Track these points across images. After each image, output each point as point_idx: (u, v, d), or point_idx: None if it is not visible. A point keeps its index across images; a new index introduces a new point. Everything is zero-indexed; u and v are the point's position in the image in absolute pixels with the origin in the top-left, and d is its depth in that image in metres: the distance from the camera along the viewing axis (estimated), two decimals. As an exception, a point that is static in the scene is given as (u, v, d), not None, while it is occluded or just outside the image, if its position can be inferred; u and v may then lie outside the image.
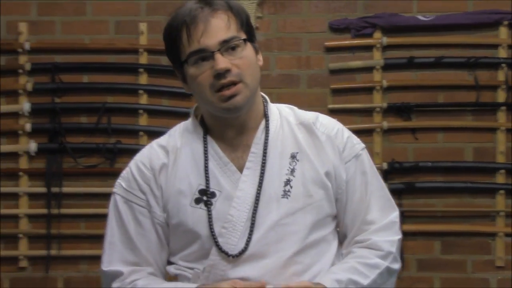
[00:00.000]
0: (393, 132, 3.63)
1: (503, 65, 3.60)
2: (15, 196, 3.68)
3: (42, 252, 3.66)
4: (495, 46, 3.63)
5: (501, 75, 3.61)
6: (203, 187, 1.73)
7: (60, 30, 3.71)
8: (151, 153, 1.80)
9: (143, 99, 3.69)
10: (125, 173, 1.82)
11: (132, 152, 3.57)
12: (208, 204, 1.72)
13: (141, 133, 3.68)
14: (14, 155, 3.69)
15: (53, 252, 3.66)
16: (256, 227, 1.71)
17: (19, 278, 3.69)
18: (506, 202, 3.62)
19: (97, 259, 3.61)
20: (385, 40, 3.63)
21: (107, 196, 3.64)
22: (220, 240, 1.71)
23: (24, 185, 3.68)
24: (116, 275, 1.76)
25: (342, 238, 1.85)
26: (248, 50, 1.72)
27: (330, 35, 3.66)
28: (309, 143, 1.79)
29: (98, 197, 3.68)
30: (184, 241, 1.76)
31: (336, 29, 3.64)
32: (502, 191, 3.61)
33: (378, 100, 3.63)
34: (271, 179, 1.73)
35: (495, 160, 3.63)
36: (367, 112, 3.63)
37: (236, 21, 1.71)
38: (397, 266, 1.81)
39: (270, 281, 1.69)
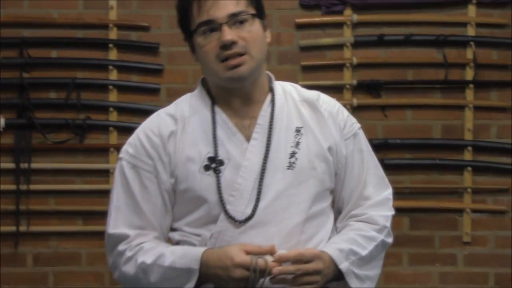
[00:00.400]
0: (363, 109, 3.65)
1: (471, 43, 3.63)
2: (-17, 172, 3.66)
3: (11, 228, 3.63)
4: (463, 24, 3.65)
5: (469, 53, 3.64)
6: (211, 154, 1.79)
7: (28, 5, 3.65)
8: (159, 120, 1.85)
9: (113, 75, 3.66)
10: (132, 139, 1.86)
11: (101, 128, 3.66)
12: (217, 171, 1.78)
13: (111, 109, 3.65)
14: (-18, 131, 3.66)
15: (22, 228, 3.63)
16: (263, 196, 1.78)
17: (-13, 254, 3.68)
18: (473, 178, 3.67)
19: (66, 235, 3.70)
20: (356, 17, 3.64)
21: (76, 172, 3.71)
22: (228, 207, 1.77)
23: (-8, 161, 3.65)
24: (122, 238, 1.81)
25: (336, 213, 1.94)
26: (256, 25, 1.79)
27: (301, 12, 3.65)
28: (313, 118, 1.87)
29: (68, 173, 3.67)
30: (190, 206, 1.81)
31: (307, 6, 3.64)
32: (469, 168, 3.65)
33: (348, 77, 3.65)
34: (277, 151, 1.81)
35: (463, 137, 3.67)
36: (337, 89, 3.63)
37: None
38: (390, 240, 1.92)
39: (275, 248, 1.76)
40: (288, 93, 1.89)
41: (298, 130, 1.84)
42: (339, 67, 3.66)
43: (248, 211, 1.78)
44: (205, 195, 1.79)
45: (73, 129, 3.64)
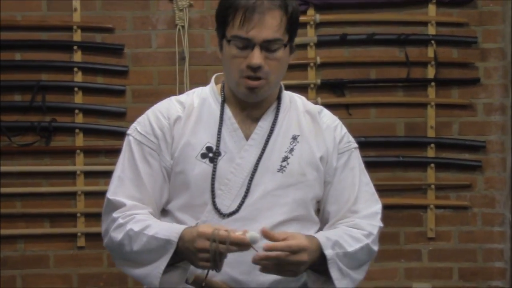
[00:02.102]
0: (327, 108, 3.52)
1: (432, 41, 3.69)
2: (-51, 176, 3.64)
3: (-22, 232, 3.63)
4: (424, 24, 3.71)
5: (430, 52, 3.70)
6: (210, 145, 1.90)
7: (-9, 7, 3.66)
8: (169, 105, 1.96)
9: (78, 77, 3.67)
10: (141, 118, 1.97)
11: (67, 130, 3.66)
12: (214, 161, 1.88)
13: (76, 111, 3.66)
14: None
15: (-11, 231, 3.63)
16: (250, 193, 1.88)
17: (-46, 259, 3.66)
18: (437, 175, 3.73)
19: (33, 237, 3.68)
20: (318, 17, 3.68)
21: (43, 175, 3.70)
22: (216, 199, 1.87)
23: (-42, 165, 3.64)
24: (118, 205, 1.88)
25: (324, 223, 2.01)
26: (284, 53, 1.86)
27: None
28: (311, 129, 1.97)
29: (34, 176, 3.68)
30: (181, 189, 1.91)
31: (270, 6, 3.67)
32: (432, 165, 3.71)
33: (312, 77, 3.69)
34: (271, 154, 1.91)
35: (426, 134, 3.73)
36: (302, 89, 3.67)
37: (287, 23, 1.84)
38: (375, 248, 1.98)
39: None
40: (294, 103, 2.00)
41: (294, 138, 1.94)
42: (303, 67, 3.70)
43: (234, 205, 1.87)
44: (196, 180, 1.88)
45: (39, 132, 3.64)
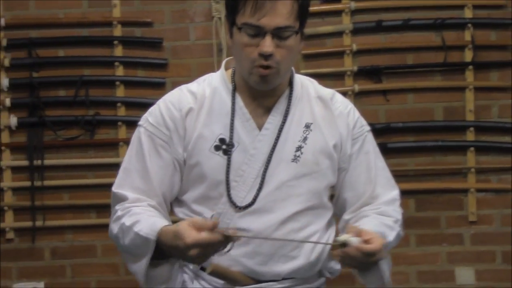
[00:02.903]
0: (364, 95, 3.70)
1: (469, 25, 3.67)
2: (-2, 170, 3.76)
3: (28, 224, 3.75)
4: (460, 7, 3.69)
5: (467, 35, 3.68)
6: (223, 136, 1.88)
7: (34, 6, 3.76)
8: (181, 95, 1.92)
9: (119, 71, 3.75)
10: (153, 109, 1.94)
11: (110, 123, 3.74)
12: (228, 153, 1.87)
13: (118, 104, 3.74)
14: (-5, 130, 3.76)
15: (38, 223, 3.74)
16: (265, 185, 1.87)
17: (6, 250, 3.78)
18: (477, 158, 3.71)
19: (81, 228, 3.79)
20: (353, 4, 3.69)
21: (88, 167, 3.80)
22: (231, 191, 1.86)
23: (7, 159, 3.76)
24: (121, 198, 1.88)
25: (340, 209, 2.02)
26: (295, 40, 1.83)
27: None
28: (323, 116, 1.94)
29: (79, 168, 3.77)
30: (196, 181, 1.89)
31: (305, -5, 3.70)
32: (472, 148, 3.70)
33: (348, 64, 3.70)
34: (285, 143, 1.89)
35: (465, 118, 3.71)
36: (339, 76, 3.70)
37: (298, 10, 1.81)
38: (402, 233, 1.99)
39: (269, 235, 1.86)
40: (305, 89, 1.97)
41: (307, 126, 1.92)
42: (339, 54, 3.71)
43: (249, 198, 1.87)
44: (211, 172, 1.87)
45: (83, 125, 3.74)
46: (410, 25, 3.70)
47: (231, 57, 1.98)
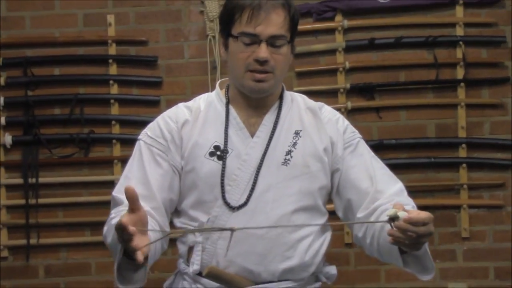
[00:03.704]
0: (357, 112, 3.74)
1: (461, 42, 3.71)
2: (-8, 188, 3.77)
3: (22, 242, 3.76)
4: (452, 25, 3.74)
5: (459, 53, 3.72)
6: (218, 144, 1.99)
7: (29, 25, 3.79)
8: (177, 110, 2.06)
9: (114, 89, 3.77)
10: (151, 124, 2.07)
11: (105, 141, 3.76)
12: (223, 158, 1.97)
13: (113, 122, 3.76)
14: (-10, 148, 3.77)
15: (33, 241, 3.75)
16: (257, 187, 1.97)
17: (1, 268, 3.78)
18: (469, 175, 3.73)
19: (75, 246, 3.79)
20: (346, 23, 3.73)
21: (82, 185, 3.80)
22: (225, 194, 1.96)
23: (2, 177, 3.77)
24: (118, 202, 1.94)
25: (347, 212, 2.06)
26: (287, 49, 1.97)
27: (293, 20, 3.75)
28: (313, 124, 2.05)
29: (74, 186, 3.79)
30: (192, 186, 1.99)
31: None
32: (464, 165, 3.72)
33: (341, 81, 3.74)
34: (275, 149, 2.00)
35: (457, 135, 3.74)
36: (332, 93, 3.73)
37: (289, 22, 1.95)
38: None
39: (263, 234, 1.94)
40: (295, 101, 2.08)
41: (297, 133, 2.02)
42: (333, 72, 3.75)
43: (243, 199, 1.96)
44: (206, 177, 1.97)
45: (78, 143, 3.76)
46: (402, 43, 3.74)
47: (225, 78, 2.11)
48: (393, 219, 1.71)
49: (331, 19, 3.75)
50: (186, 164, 1.99)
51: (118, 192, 1.95)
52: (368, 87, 3.73)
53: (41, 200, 3.75)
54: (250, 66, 1.93)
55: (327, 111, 2.10)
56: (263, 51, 1.91)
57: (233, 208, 1.95)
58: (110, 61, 3.76)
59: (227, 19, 1.97)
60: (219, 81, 2.12)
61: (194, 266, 1.98)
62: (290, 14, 1.95)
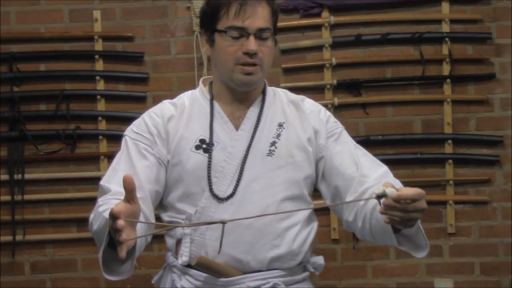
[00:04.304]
0: (344, 108, 3.74)
1: (447, 39, 3.72)
2: (-22, 184, 3.75)
3: (8, 238, 3.74)
4: (438, 21, 3.75)
5: (445, 49, 3.74)
6: (203, 137, 2.03)
7: (15, 21, 3.77)
8: (162, 106, 2.10)
9: (100, 85, 3.77)
10: (136, 121, 2.09)
11: (91, 137, 3.75)
12: (208, 151, 2.01)
13: (99, 118, 3.76)
14: (-25, 144, 3.75)
15: (19, 237, 3.74)
16: (243, 178, 2.00)
17: (-14, 264, 3.78)
18: (455, 171, 3.75)
19: (62, 242, 3.78)
20: (333, 19, 3.74)
21: (69, 181, 3.79)
22: (212, 186, 1.99)
23: (-13, 173, 3.75)
24: (106, 190, 1.94)
25: (335, 199, 2.08)
26: (272, 42, 2.03)
27: (280, 16, 3.70)
28: (295, 115, 2.10)
29: (60, 182, 3.78)
30: (179, 179, 2.02)
31: (285, 10, 3.74)
32: (450, 161, 3.74)
33: (328, 78, 3.75)
34: (260, 141, 2.04)
35: (443, 131, 3.76)
36: (318, 90, 3.74)
37: (272, 16, 2.02)
38: None
39: (251, 224, 1.97)
40: (278, 95, 2.13)
41: (280, 125, 2.07)
42: (319, 68, 3.76)
43: (230, 190, 1.99)
44: (192, 169, 2.00)
45: (64, 139, 3.75)
46: (389, 39, 3.75)
47: (208, 76, 2.17)
48: (380, 196, 1.71)
49: (318, 15, 3.75)
50: (173, 158, 2.02)
51: (106, 182, 1.96)
52: (355, 83, 3.74)
53: (27, 197, 3.74)
54: (240, 59, 1.97)
55: (309, 103, 2.14)
56: (252, 43, 1.96)
57: (220, 199, 1.98)
58: (97, 57, 3.75)
59: (212, 15, 2.00)
60: (202, 78, 2.16)
61: (183, 258, 1.99)
62: (273, 8, 2.01)
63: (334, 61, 3.73)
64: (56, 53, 3.77)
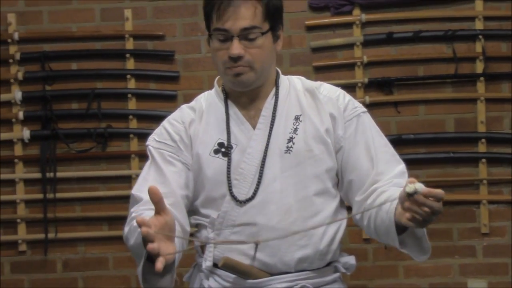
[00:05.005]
0: (376, 107, 3.70)
1: (480, 36, 3.67)
2: (12, 182, 3.79)
3: (40, 236, 3.77)
4: (471, 19, 3.70)
5: (478, 47, 3.69)
6: (222, 140, 1.99)
7: (47, 20, 3.81)
8: (182, 112, 2.07)
9: (131, 84, 3.78)
10: (157, 129, 2.07)
11: (122, 135, 3.77)
12: (227, 154, 1.97)
13: (130, 116, 3.77)
14: (9, 143, 3.79)
15: (51, 235, 3.77)
16: (263, 178, 1.96)
17: (19, 262, 3.82)
18: (488, 170, 3.70)
19: (93, 240, 3.80)
20: (364, 16, 3.71)
21: (100, 179, 3.82)
22: (233, 189, 1.96)
23: (20, 172, 3.79)
24: (137, 200, 1.94)
25: (348, 194, 2.03)
26: (266, 40, 1.94)
27: (310, 14, 3.74)
28: (311, 105, 2.02)
29: (92, 181, 3.80)
30: (201, 185, 2.00)
31: (316, 8, 3.72)
32: (484, 160, 3.69)
33: (359, 76, 3.72)
34: (277, 138, 1.98)
35: (476, 129, 3.71)
36: (350, 88, 3.67)
37: (263, 11, 1.92)
38: None
39: (275, 225, 1.93)
40: (293, 86, 2.05)
41: (296, 118, 2.00)
42: (350, 66, 3.73)
43: (250, 193, 1.95)
44: (212, 174, 1.97)
45: (95, 138, 3.77)
46: (421, 37, 3.71)
47: None
48: (411, 194, 1.66)
49: (349, 13, 3.73)
50: (195, 163, 2.00)
51: (137, 191, 1.95)
52: (386, 81, 3.71)
53: (59, 195, 3.77)
54: (226, 63, 1.92)
55: (326, 89, 2.05)
56: (234, 47, 1.89)
57: (241, 202, 1.95)
58: (127, 55, 3.77)
59: (206, 17, 1.96)
60: (217, 78, 2.10)
61: (207, 263, 1.98)
62: (263, 4, 1.92)
63: (365, 59, 3.70)
64: (88, 52, 3.79)
